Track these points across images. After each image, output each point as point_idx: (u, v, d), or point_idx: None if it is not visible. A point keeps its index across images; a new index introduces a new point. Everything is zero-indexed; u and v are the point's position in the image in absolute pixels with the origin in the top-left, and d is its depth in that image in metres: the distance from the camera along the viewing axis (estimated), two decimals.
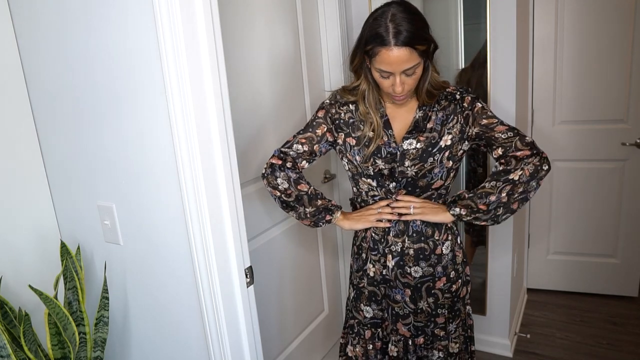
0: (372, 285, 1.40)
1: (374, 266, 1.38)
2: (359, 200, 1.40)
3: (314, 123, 1.36)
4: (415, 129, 1.28)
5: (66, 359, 1.16)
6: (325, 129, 1.35)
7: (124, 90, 1.09)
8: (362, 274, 1.42)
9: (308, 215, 1.35)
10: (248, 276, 1.18)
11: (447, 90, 1.29)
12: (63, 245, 1.21)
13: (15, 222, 1.26)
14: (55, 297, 1.15)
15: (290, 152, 1.35)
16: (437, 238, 1.33)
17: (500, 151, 1.25)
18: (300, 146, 1.35)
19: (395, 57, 1.15)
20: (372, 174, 1.31)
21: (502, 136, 1.25)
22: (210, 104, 1.04)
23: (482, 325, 2.23)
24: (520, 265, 2.50)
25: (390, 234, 1.34)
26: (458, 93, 1.28)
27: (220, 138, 1.07)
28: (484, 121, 1.26)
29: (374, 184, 1.33)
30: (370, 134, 1.28)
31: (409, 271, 1.34)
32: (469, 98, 1.27)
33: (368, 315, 1.42)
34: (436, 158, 1.26)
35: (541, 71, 2.47)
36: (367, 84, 1.29)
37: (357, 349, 1.45)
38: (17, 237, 1.27)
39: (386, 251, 1.35)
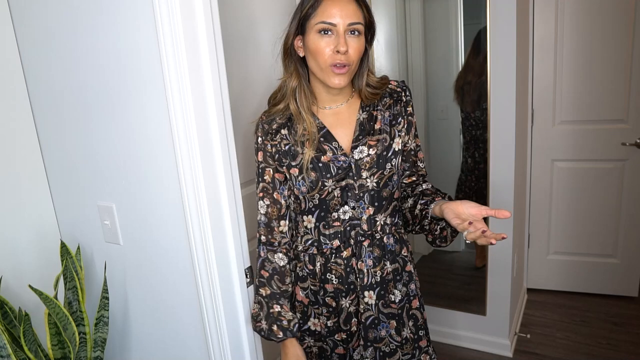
0: (320, 340, 1.22)
1: (318, 320, 1.20)
2: (294, 246, 1.20)
3: (259, 170, 1.16)
4: (362, 133, 1.12)
5: (66, 359, 1.16)
6: (272, 172, 1.15)
7: (124, 91, 1.09)
8: (302, 335, 1.22)
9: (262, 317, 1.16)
10: (248, 276, 1.18)
11: (389, 86, 1.16)
12: (63, 245, 1.21)
13: (16, 222, 1.26)
14: (55, 297, 1.15)
15: (262, 219, 1.17)
16: (405, 255, 1.21)
17: (413, 178, 1.20)
18: (262, 202, 1.16)
19: (341, 2, 1.02)
20: (316, 203, 1.12)
21: (421, 165, 1.20)
22: (210, 104, 1.04)
23: (482, 325, 2.23)
24: (520, 265, 2.50)
25: (365, 266, 1.14)
26: (403, 93, 1.16)
27: (220, 138, 1.07)
28: (417, 140, 1.18)
29: (313, 221, 1.14)
30: (310, 152, 1.10)
31: (393, 299, 1.18)
32: (411, 105, 1.17)
33: None
34: (394, 164, 1.13)
35: (541, 71, 2.47)
36: (297, 78, 1.12)
37: None
38: (17, 237, 1.27)
39: (357, 292, 1.16)
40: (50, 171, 1.32)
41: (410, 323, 1.22)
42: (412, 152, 1.19)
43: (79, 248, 1.27)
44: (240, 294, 1.17)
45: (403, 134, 1.15)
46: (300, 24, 1.07)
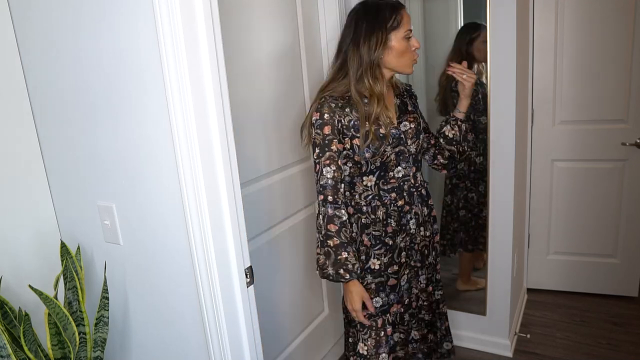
0: (377, 277, 1.51)
1: (378, 259, 1.49)
2: (353, 203, 1.49)
3: (326, 141, 1.39)
4: (401, 113, 1.51)
5: (66, 359, 1.16)
6: (337, 143, 1.41)
7: (124, 91, 1.09)
8: (365, 273, 1.50)
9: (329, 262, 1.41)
10: (248, 276, 1.18)
11: (404, 86, 1.60)
12: (63, 245, 1.21)
13: (16, 222, 1.26)
14: (55, 297, 1.15)
15: (330, 182, 1.39)
16: (431, 203, 1.61)
17: (432, 141, 1.65)
18: (329, 168, 1.39)
19: (407, 13, 1.43)
20: (378, 165, 1.45)
21: (431, 132, 1.67)
22: (210, 104, 1.05)
23: (482, 325, 2.22)
24: (520, 265, 2.50)
25: (418, 210, 1.54)
26: (413, 90, 1.62)
27: (220, 138, 1.07)
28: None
29: (373, 179, 1.46)
30: (371, 127, 1.41)
31: (427, 234, 1.59)
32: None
33: (377, 305, 1.52)
34: (423, 136, 1.55)
35: (541, 71, 2.47)
36: (382, 81, 1.44)
37: (369, 342, 1.53)
38: (18, 237, 1.27)
39: (411, 224, 1.53)
40: (50, 171, 1.32)
41: (433, 253, 1.64)
42: (426, 127, 1.65)
43: (79, 248, 1.27)
44: (240, 294, 1.17)
45: (421, 117, 1.60)
46: (386, 36, 1.40)
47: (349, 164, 1.45)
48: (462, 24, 2.33)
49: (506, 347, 2.21)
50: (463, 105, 1.59)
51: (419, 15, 2.42)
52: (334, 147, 1.39)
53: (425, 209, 1.57)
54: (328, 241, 1.40)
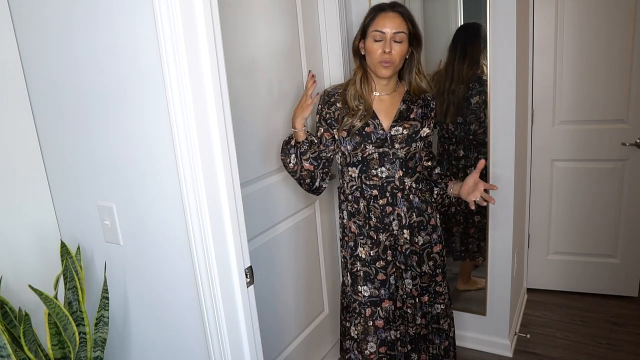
0: (365, 266, 1.61)
1: (363, 248, 1.60)
2: (342, 190, 1.65)
3: (317, 127, 1.63)
4: (400, 118, 1.55)
5: (66, 359, 1.16)
6: (322, 131, 1.61)
7: (124, 91, 1.09)
8: (354, 259, 1.62)
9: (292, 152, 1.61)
10: (248, 276, 1.18)
11: (427, 95, 1.62)
12: (63, 245, 1.21)
13: (16, 222, 1.26)
14: (55, 297, 1.15)
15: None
16: (429, 212, 1.63)
17: (429, 163, 1.66)
18: (314, 139, 1.61)
19: (390, 17, 1.44)
20: (359, 159, 1.55)
21: (434, 152, 1.71)
22: (210, 104, 1.05)
23: (482, 325, 2.22)
24: (520, 265, 2.50)
25: (402, 211, 1.57)
26: (432, 102, 1.63)
27: (220, 138, 1.07)
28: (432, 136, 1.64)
29: (357, 172, 1.57)
30: (358, 123, 1.52)
31: (416, 241, 1.61)
32: (434, 112, 1.63)
33: (366, 294, 1.61)
34: (418, 145, 1.57)
35: (541, 71, 2.47)
36: (361, 70, 1.56)
37: (359, 328, 1.63)
38: (18, 237, 1.27)
39: (393, 225, 1.58)
40: (50, 171, 1.32)
41: (430, 263, 1.65)
42: (430, 143, 1.66)
43: (79, 248, 1.27)
44: (240, 294, 1.17)
45: (428, 128, 1.59)
46: (362, 31, 1.51)
47: (339, 153, 1.61)
48: (462, 24, 2.33)
49: (506, 347, 2.21)
50: (456, 193, 1.63)
51: (418, 15, 2.42)
52: (318, 133, 1.61)
53: (413, 215, 1.59)
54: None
